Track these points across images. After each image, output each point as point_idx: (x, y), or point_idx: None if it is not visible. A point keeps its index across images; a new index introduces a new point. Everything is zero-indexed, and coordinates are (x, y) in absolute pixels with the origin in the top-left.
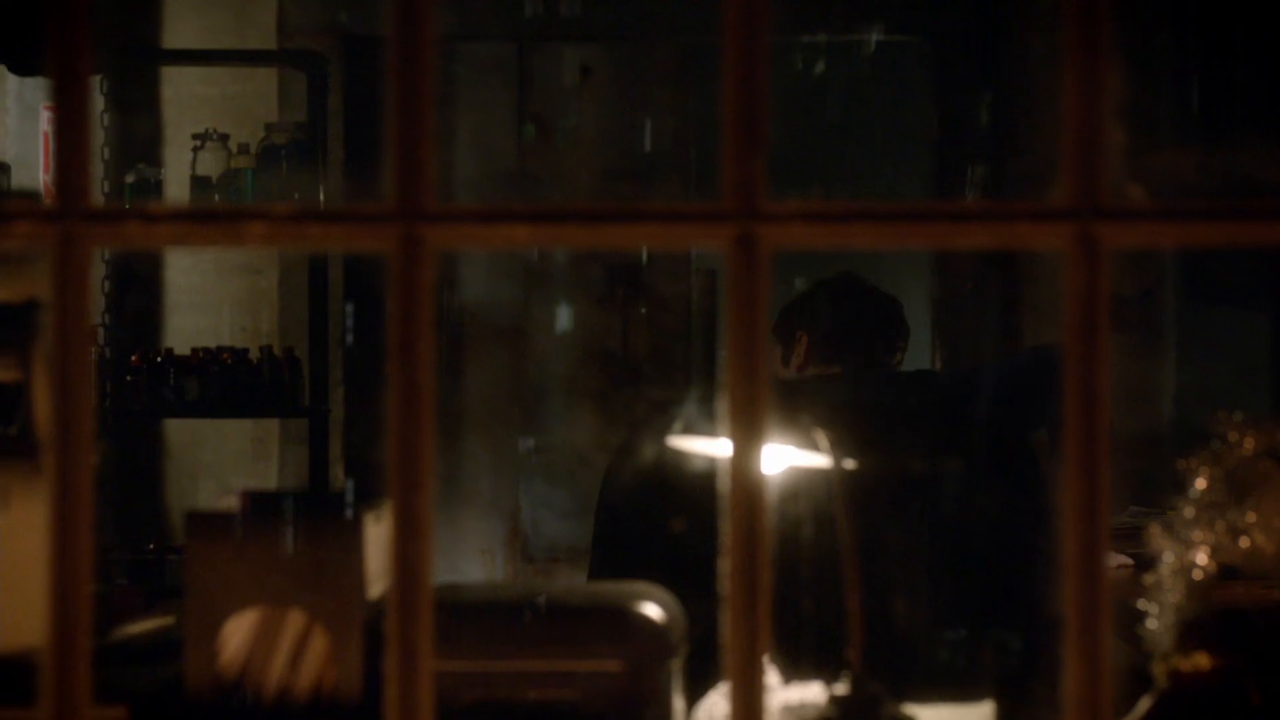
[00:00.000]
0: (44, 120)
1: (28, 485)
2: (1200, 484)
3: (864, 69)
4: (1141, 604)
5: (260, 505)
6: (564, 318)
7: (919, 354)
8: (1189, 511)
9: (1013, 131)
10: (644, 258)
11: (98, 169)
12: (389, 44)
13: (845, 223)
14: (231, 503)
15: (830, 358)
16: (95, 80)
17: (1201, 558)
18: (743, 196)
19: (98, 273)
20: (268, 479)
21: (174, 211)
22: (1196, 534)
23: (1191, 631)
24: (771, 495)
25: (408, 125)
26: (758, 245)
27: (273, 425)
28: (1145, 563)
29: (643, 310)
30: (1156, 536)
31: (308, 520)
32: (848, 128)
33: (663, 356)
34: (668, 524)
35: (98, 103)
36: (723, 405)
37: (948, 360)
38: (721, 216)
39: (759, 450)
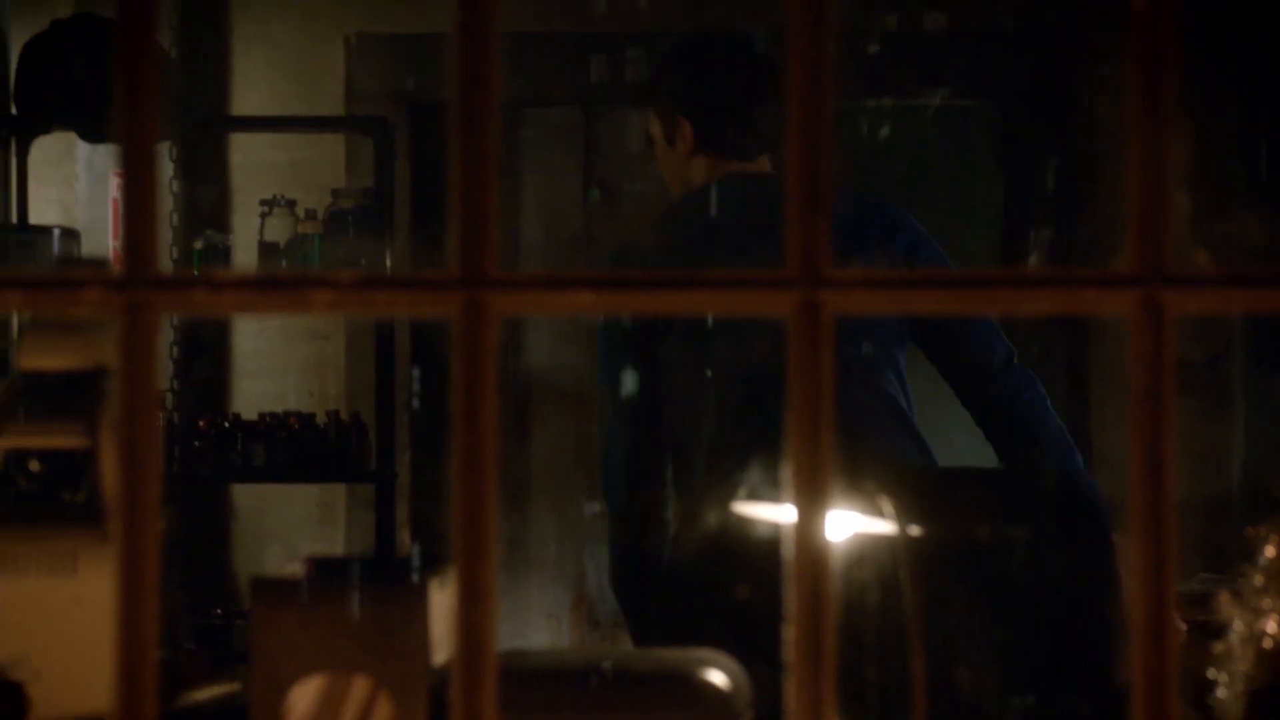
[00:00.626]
0: (113, 187)
1: (95, 551)
2: (1270, 551)
3: (929, 133)
4: (1211, 673)
5: (325, 571)
6: (630, 382)
7: None
8: (1258, 579)
9: (1079, 196)
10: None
11: (166, 235)
12: (452, 110)
13: (909, 289)
14: (296, 569)
15: (720, 146)
16: (164, 147)
17: (1271, 626)
18: (806, 263)
19: (165, 338)
20: (334, 544)
21: (240, 279)
22: (1266, 601)
23: (1261, 701)
24: (836, 562)
25: (471, 192)
26: (821, 312)
27: (339, 490)
28: (1215, 630)
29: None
30: (1226, 604)
31: (373, 586)
32: (913, 191)
33: None
34: (732, 590)
35: (167, 169)
36: (787, 471)
37: None
38: (784, 283)
39: (823, 517)
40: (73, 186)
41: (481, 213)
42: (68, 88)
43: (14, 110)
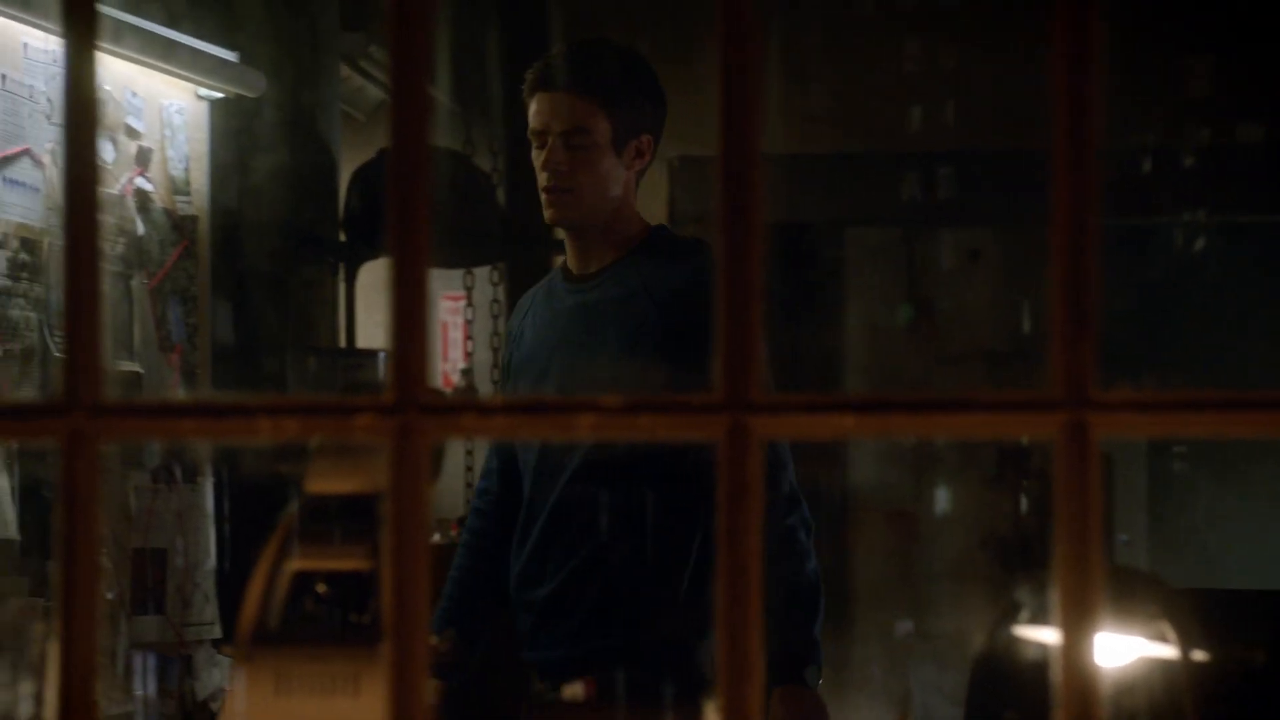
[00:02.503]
0: (442, 310)
1: (378, 673)
2: None
3: (1249, 247)
4: None
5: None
6: (945, 499)
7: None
8: None
9: None
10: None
11: (487, 356)
12: (716, 238)
13: (1178, 411)
14: (578, 690)
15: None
16: (486, 270)
17: None
18: (1072, 384)
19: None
20: None
21: (507, 404)
22: None
23: None
24: (1109, 686)
25: (734, 316)
26: (1088, 434)
27: None
28: None
29: (1025, 488)
30: None
31: (647, 708)
32: (1231, 306)
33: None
34: (1010, 714)
35: (488, 291)
36: (1056, 594)
37: None
38: (1050, 405)
39: (1091, 641)
40: None
41: (744, 337)
42: None
43: (343, 237)
